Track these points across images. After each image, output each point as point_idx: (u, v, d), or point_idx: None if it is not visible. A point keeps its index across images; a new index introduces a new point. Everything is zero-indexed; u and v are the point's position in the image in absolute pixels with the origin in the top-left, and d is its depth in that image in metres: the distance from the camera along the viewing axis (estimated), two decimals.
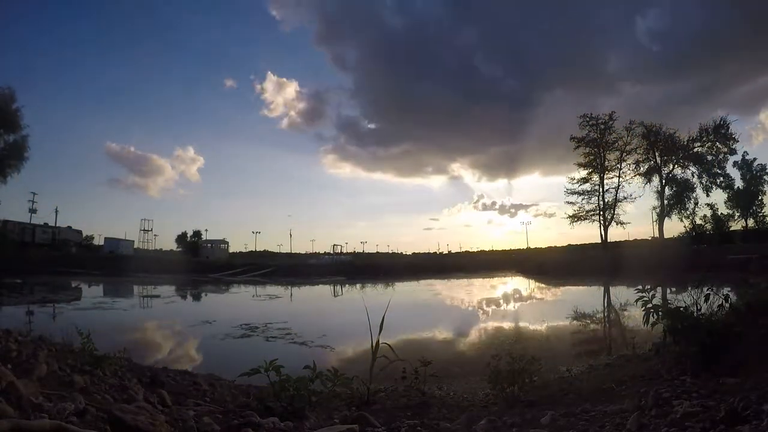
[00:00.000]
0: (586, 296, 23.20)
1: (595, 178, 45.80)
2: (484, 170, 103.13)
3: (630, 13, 77.86)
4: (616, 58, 73.54)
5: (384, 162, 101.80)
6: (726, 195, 43.94)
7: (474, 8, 79.28)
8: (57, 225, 52.46)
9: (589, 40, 70.61)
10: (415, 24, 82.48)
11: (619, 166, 45.05)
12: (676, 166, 42.96)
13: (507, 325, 13.10)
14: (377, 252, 73.51)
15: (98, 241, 56.89)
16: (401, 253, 75.09)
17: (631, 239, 51.85)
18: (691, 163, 42.21)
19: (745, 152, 44.67)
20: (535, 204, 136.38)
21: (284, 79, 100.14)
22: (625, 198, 45.36)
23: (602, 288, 24.33)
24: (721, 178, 42.09)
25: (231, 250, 64.05)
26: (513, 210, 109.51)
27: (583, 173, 46.03)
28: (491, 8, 78.63)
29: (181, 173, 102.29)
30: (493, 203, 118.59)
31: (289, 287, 30.04)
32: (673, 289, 8.71)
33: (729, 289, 5.40)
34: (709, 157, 41.70)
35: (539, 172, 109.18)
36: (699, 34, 60.83)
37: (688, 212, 42.71)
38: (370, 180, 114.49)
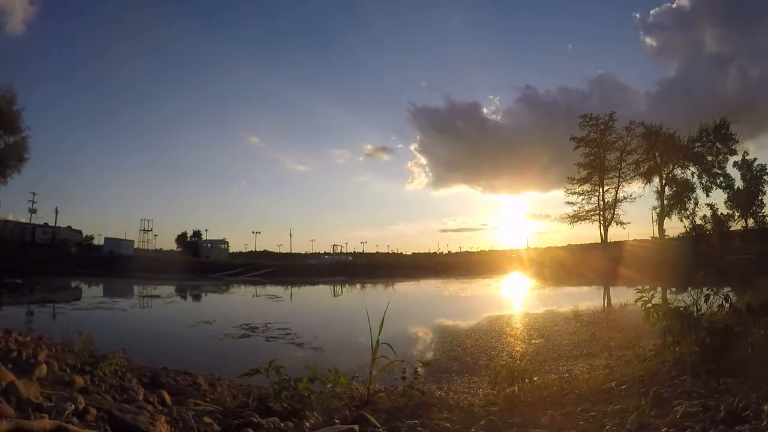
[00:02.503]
0: (586, 296, 23.17)
1: (595, 178, 45.87)
2: (494, 184, 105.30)
3: None
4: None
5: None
6: (726, 195, 43.92)
7: None
8: (57, 225, 52.42)
9: None
10: None
11: (619, 166, 45.11)
12: (676, 166, 42.96)
13: (506, 325, 13.09)
14: (377, 252, 73.53)
15: (98, 241, 56.71)
16: (401, 253, 75.17)
17: (631, 239, 51.80)
18: (691, 164, 42.19)
19: (745, 152, 44.63)
20: (542, 209, 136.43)
21: None
22: (625, 198, 45.47)
23: (602, 288, 24.30)
24: (721, 178, 42.07)
25: (231, 250, 63.96)
26: (519, 214, 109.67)
27: (583, 173, 46.10)
28: None
29: None
30: (500, 207, 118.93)
31: (289, 287, 30.01)
32: (673, 289, 8.70)
33: (729, 289, 5.40)
34: (709, 158, 41.70)
35: (540, 190, 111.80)
36: None
37: (688, 212, 42.68)
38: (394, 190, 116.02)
